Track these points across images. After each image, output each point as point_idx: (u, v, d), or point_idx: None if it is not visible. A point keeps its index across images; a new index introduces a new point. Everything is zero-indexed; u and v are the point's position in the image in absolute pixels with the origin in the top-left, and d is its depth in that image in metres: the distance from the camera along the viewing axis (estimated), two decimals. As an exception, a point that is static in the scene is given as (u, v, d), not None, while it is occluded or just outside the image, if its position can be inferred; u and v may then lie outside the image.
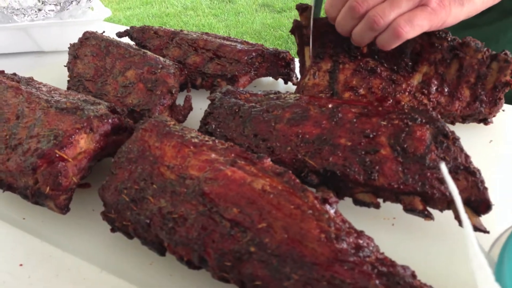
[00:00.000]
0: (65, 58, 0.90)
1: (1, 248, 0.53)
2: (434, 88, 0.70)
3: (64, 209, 0.54)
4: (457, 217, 0.51)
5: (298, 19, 0.77)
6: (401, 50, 0.67)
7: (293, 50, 3.01)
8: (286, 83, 0.89)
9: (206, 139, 0.55)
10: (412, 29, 0.61)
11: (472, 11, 0.65)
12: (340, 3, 0.65)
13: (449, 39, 0.68)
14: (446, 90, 0.70)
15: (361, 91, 0.70)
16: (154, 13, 4.17)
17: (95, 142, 0.57)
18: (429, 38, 0.68)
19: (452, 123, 0.72)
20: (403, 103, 0.69)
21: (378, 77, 0.71)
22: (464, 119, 0.71)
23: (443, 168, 0.38)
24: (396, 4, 0.60)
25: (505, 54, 0.67)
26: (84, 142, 0.56)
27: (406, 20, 0.60)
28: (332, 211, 0.45)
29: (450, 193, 0.50)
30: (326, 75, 0.73)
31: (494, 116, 0.71)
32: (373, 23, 0.61)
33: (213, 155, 0.52)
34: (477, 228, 0.50)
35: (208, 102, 0.70)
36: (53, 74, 0.89)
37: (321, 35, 0.72)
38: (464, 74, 0.69)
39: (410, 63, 0.70)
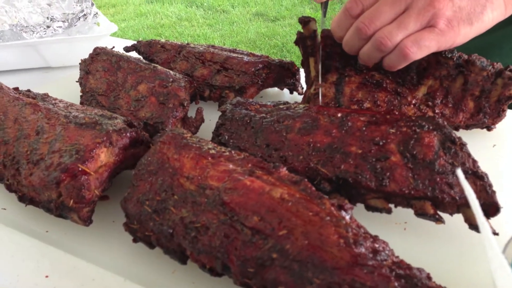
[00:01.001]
0: (72, 73, 0.92)
1: (27, 260, 0.54)
2: (439, 100, 0.71)
3: (87, 221, 0.56)
4: (467, 220, 0.53)
5: (301, 30, 0.78)
6: (407, 66, 0.67)
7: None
8: (291, 93, 0.91)
9: (223, 150, 0.56)
10: (419, 50, 0.61)
11: (482, 29, 0.64)
12: (347, 23, 0.66)
13: (455, 58, 0.68)
14: (450, 102, 0.71)
15: (367, 104, 0.71)
16: (149, 25, 4.19)
17: (114, 156, 0.59)
18: (435, 56, 0.68)
19: (456, 129, 0.73)
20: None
21: (383, 90, 0.72)
22: (468, 127, 0.73)
23: (460, 174, 0.40)
24: (404, 26, 0.60)
25: (510, 70, 0.68)
26: (104, 156, 0.57)
27: (413, 41, 0.60)
28: (347, 217, 0.47)
29: (460, 197, 0.52)
30: (332, 86, 0.74)
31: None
32: (381, 44, 0.62)
33: (231, 166, 0.53)
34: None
35: (217, 113, 0.72)
36: (65, 90, 0.91)
37: (327, 47, 0.74)
38: (468, 88, 0.70)
39: (416, 77, 0.71)
